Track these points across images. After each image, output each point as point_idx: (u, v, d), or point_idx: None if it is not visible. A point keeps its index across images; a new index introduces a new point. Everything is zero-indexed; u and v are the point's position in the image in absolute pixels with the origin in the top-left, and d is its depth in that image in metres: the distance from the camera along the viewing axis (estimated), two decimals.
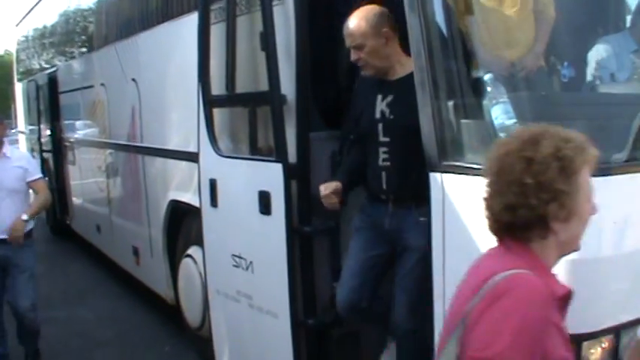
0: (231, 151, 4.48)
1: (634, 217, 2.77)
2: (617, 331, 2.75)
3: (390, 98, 3.54)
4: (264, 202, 3.89)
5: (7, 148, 5.60)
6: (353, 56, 3.52)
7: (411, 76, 3.07)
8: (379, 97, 3.58)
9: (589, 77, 3.43)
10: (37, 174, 5.78)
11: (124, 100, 6.93)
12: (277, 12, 3.87)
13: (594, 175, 2.63)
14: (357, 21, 3.50)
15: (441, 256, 2.92)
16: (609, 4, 3.85)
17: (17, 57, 16.08)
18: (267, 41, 3.81)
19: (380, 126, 3.55)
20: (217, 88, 4.41)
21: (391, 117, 3.52)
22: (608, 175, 2.71)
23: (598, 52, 3.41)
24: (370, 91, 3.63)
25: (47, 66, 11.86)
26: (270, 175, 3.84)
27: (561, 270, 2.54)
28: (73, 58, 9.97)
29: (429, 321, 3.03)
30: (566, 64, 3.18)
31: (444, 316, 2.90)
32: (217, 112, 4.53)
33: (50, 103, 11.02)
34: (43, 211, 6.92)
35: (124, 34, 7.13)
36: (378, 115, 3.57)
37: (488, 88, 2.81)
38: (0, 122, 5.62)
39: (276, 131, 3.82)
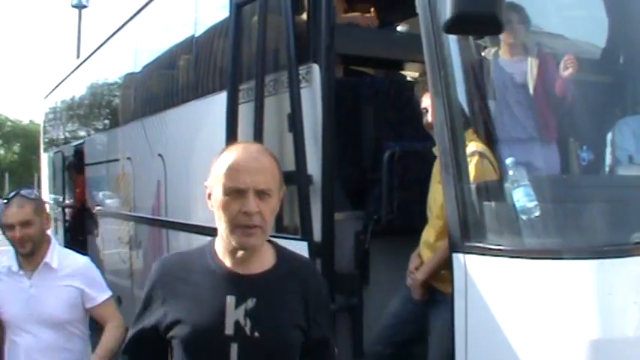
0: None
1: None
2: None
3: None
4: None
5: (54, 252, 3.70)
6: None
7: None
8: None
9: (608, 159, 3.50)
10: (104, 293, 3.87)
11: (150, 174, 7.05)
12: (305, 94, 4.01)
13: (613, 257, 2.74)
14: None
15: (463, 336, 2.95)
16: (627, 85, 3.94)
17: (44, 128, 16.38)
18: (295, 122, 3.94)
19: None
20: None
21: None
22: (627, 256, 2.79)
23: (616, 134, 3.49)
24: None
25: (73, 137, 12.06)
26: None
27: (582, 351, 2.63)
28: (99, 131, 10.15)
29: None
30: (585, 147, 3.27)
31: None
32: None
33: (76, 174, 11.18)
34: None
35: (152, 109, 7.29)
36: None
37: (510, 172, 2.89)
38: (39, 209, 3.70)
39: (302, 210, 3.91)
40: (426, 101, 3.54)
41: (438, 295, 3.55)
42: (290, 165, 4.01)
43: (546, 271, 2.77)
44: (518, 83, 3.33)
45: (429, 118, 3.50)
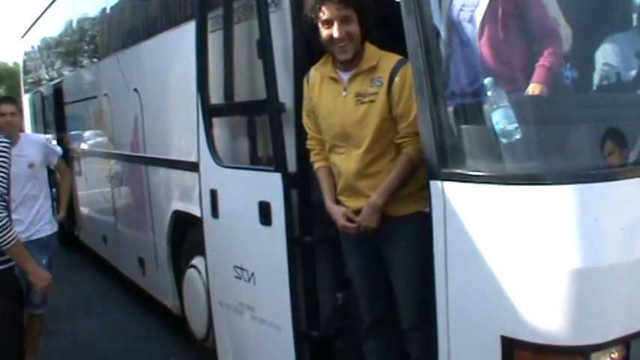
0: (231, 160, 4.41)
1: None
2: (627, 341, 2.67)
3: None
4: (265, 213, 3.82)
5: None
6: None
7: None
8: None
9: (594, 78, 3.33)
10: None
11: (127, 110, 6.88)
12: (274, 19, 3.81)
13: (598, 181, 2.60)
14: None
15: (443, 264, 2.84)
16: (615, 3, 3.75)
17: (24, 68, 16.07)
18: (264, 49, 3.75)
19: None
20: (216, 96, 4.35)
21: None
22: (613, 180, 2.65)
23: (603, 52, 3.31)
24: None
25: (52, 77, 11.84)
26: (270, 185, 3.77)
27: (567, 279, 2.50)
28: (77, 68, 9.93)
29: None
30: (569, 64, 3.09)
31: (446, 325, 2.85)
32: (217, 122, 4.47)
33: (55, 114, 11.01)
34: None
35: (126, 43, 7.08)
36: None
37: (489, 92, 2.72)
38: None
39: (274, 140, 3.75)
40: None
41: (391, 225, 3.42)
42: (262, 94, 3.84)
43: (529, 197, 2.63)
44: None
45: None
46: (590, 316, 2.59)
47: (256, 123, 4.20)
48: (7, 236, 3.80)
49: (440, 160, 2.81)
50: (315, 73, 3.58)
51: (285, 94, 3.79)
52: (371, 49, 3.39)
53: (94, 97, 8.47)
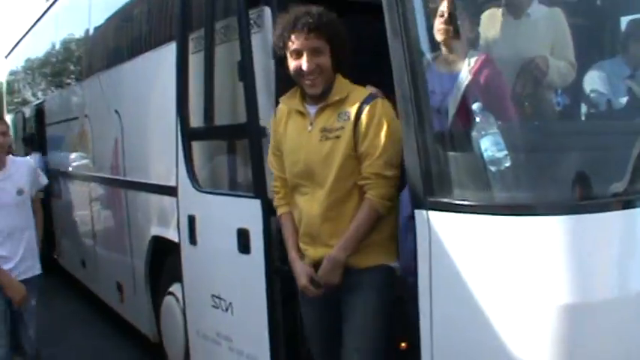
0: (210, 185, 4.29)
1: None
2: None
3: None
4: (243, 241, 3.69)
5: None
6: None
7: None
8: None
9: (583, 105, 3.26)
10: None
11: (108, 132, 6.73)
12: (256, 40, 3.70)
13: (591, 212, 2.48)
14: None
15: (427, 297, 2.71)
16: (601, 30, 3.69)
17: (8, 88, 15.94)
18: (245, 70, 3.64)
19: None
20: (196, 119, 4.23)
21: None
22: (607, 210, 2.54)
23: (590, 79, 3.24)
24: None
25: (35, 98, 11.71)
26: (249, 212, 3.64)
27: (557, 315, 2.39)
28: (59, 89, 9.81)
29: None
30: (559, 91, 2.99)
31: (431, 354, 2.72)
32: (196, 145, 4.35)
33: (37, 135, 10.87)
34: None
35: (107, 64, 6.96)
36: None
37: (477, 118, 2.60)
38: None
39: (254, 165, 3.64)
40: None
41: (353, 277, 3.13)
42: (243, 117, 3.72)
43: (518, 228, 2.52)
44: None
45: None
46: (582, 355, 2.47)
47: (237, 147, 4.09)
48: None
49: (425, 188, 2.70)
50: (282, 107, 3.35)
51: (266, 117, 3.66)
52: (341, 82, 3.17)
53: (75, 118, 8.34)
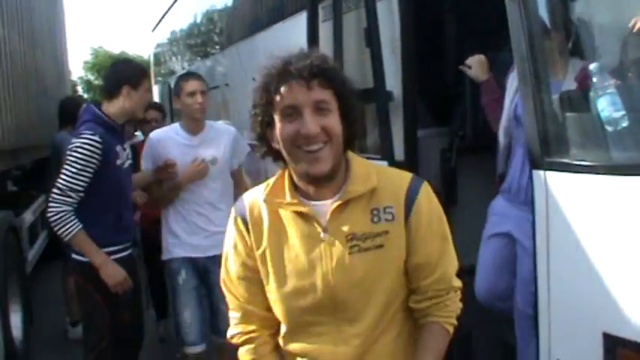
0: None
1: None
2: None
3: None
4: None
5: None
6: None
7: None
8: None
9: None
10: None
11: (248, 99, 6.99)
12: (381, 8, 3.82)
13: None
14: None
15: (545, 256, 2.75)
16: None
17: (155, 60, 16.69)
18: (371, 38, 3.77)
19: None
20: None
21: None
22: None
23: None
24: None
25: (179, 68, 12.22)
26: None
27: None
28: (201, 59, 10.21)
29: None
30: None
31: (547, 319, 2.77)
32: None
33: None
34: None
35: (244, 34, 7.23)
36: None
37: (594, 79, 2.62)
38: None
39: (381, 129, 3.77)
40: None
41: None
42: (370, 82, 3.85)
43: (635, 187, 2.48)
44: None
45: None
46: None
47: (365, 111, 4.22)
48: (64, 228, 3.63)
49: (543, 148, 2.72)
50: (256, 207, 2.17)
51: (392, 82, 3.77)
52: (359, 163, 2.14)
53: (217, 87, 8.68)
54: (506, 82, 3.43)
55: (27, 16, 7.93)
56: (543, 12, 2.87)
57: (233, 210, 2.20)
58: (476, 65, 3.68)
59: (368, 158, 3.86)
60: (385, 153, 3.74)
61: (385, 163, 3.70)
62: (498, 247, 3.57)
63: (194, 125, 4.31)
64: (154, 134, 4.43)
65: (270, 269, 2.12)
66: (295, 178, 2.10)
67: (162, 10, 13.97)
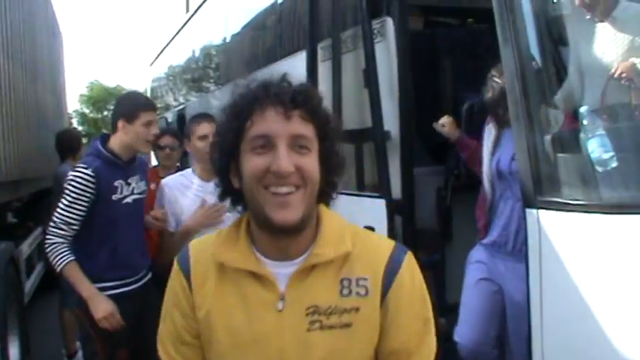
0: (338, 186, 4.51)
1: None
2: None
3: None
4: None
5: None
6: None
7: None
8: None
9: None
10: None
11: None
12: (379, 49, 3.93)
13: None
14: None
15: (538, 295, 2.82)
16: None
17: (152, 94, 16.82)
18: (370, 78, 3.88)
19: None
20: None
21: None
22: None
23: None
24: None
25: (176, 103, 12.34)
26: (375, 211, 3.87)
27: None
28: (199, 95, 10.34)
29: None
30: None
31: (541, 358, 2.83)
32: None
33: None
34: None
35: (243, 71, 7.35)
36: None
37: (585, 122, 2.73)
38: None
39: (379, 167, 3.86)
40: None
41: None
42: (369, 122, 3.95)
43: (626, 226, 2.58)
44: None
45: None
46: None
47: (363, 150, 4.32)
48: (56, 260, 3.57)
49: (536, 187, 2.81)
50: (202, 261, 1.80)
51: (390, 121, 3.88)
52: (332, 219, 1.80)
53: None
54: (483, 134, 3.54)
55: (30, 50, 8.06)
56: (537, 56, 2.98)
57: (175, 262, 1.82)
58: (448, 124, 3.82)
59: (365, 196, 4.04)
60: (383, 191, 3.83)
61: (383, 200, 3.80)
62: (489, 293, 3.58)
63: (208, 171, 3.90)
64: (166, 181, 4.14)
65: (213, 338, 1.74)
66: (254, 229, 1.72)
67: (160, 44, 14.14)
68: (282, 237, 1.67)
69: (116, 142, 3.76)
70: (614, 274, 2.59)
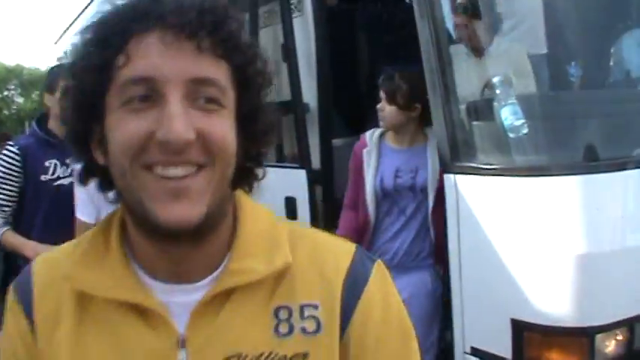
0: None
1: None
2: (630, 323, 2.78)
3: None
4: (291, 207, 4.01)
5: None
6: None
7: None
8: None
9: (600, 75, 3.48)
10: None
11: None
12: (297, 23, 4.01)
13: (600, 172, 2.75)
14: None
15: (456, 252, 2.98)
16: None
17: None
18: (288, 52, 3.95)
19: None
20: None
21: None
22: (613, 171, 2.78)
23: (616, 48, 3.44)
24: None
25: None
26: (296, 182, 3.97)
27: (572, 264, 2.65)
28: None
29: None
30: (574, 63, 3.24)
31: (461, 308, 3.00)
32: None
33: None
34: None
35: None
36: None
37: (498, 90, 2.88)
38: None
39: (299, 139, 3.95)
40: None
41: None
42: (288, 95, 4.04)
43: (535, 187, 2.77)
44: None
45: None
46: (595, 300, 2.70)
47: (283, 123, 4.39)
48: None
49: (452, 154, 2.97)
50: (52, 287, 1.13)
51: (309, 95, 3.98)
52: (258, 213, 1.23)
53: None
54: (362, 158, 3.64)
55: None
56: (451, 27, 3.11)
57: (12, 290, 1.17)
58: None
59: (286, 167, 4.13)
60: (303, 162, 3.92)
61: (303, 171, 3.89)
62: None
63: None
64: None
65: None
66: (133, 234, 1.10)
67: (66, 21, 13.80)
68: (175, 246, 1.04)
69: (52, 119, 3.61)
70: (524, 229, 2.77)
